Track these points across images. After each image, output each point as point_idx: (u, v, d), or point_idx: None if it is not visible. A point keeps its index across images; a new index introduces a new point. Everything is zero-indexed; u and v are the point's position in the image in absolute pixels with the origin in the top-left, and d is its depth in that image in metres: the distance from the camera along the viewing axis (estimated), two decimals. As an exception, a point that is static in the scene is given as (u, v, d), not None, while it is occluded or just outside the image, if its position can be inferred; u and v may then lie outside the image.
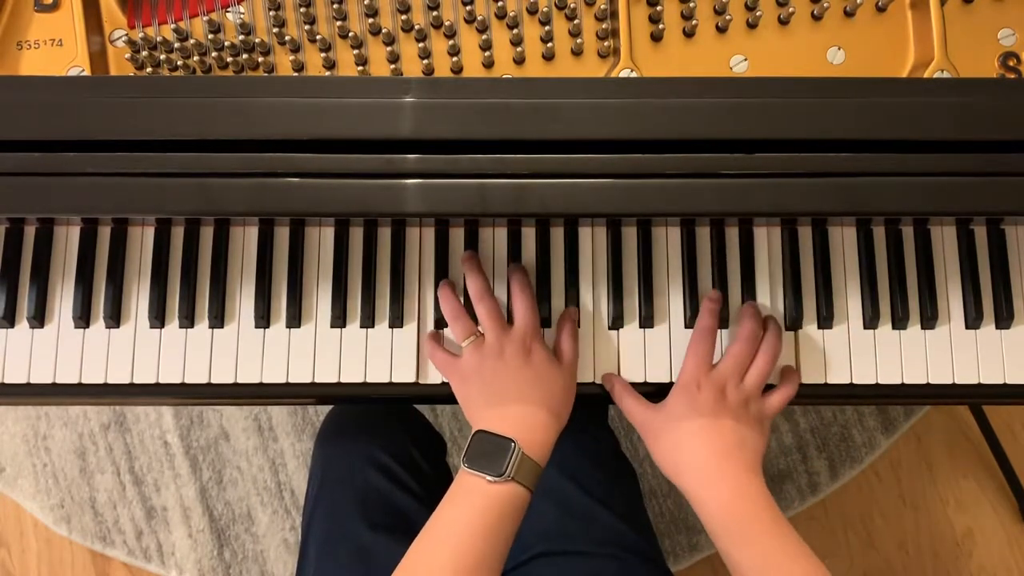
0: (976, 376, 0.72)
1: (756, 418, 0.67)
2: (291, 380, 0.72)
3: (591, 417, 0.89)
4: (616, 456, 0.87)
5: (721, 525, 0.62)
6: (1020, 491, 1.36)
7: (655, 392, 0.72)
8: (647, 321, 0.72)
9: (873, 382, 0.72)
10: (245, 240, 0.73)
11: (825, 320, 0.72)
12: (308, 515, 0.82)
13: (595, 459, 0.82)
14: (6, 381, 0.71)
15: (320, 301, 0.72)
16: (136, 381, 0.71)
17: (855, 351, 0.72)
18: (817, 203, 0.59)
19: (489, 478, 0.61)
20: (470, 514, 0.61)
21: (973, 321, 0.72)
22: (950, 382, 0.72)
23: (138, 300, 0.72)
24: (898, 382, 0.72)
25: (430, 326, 0.72)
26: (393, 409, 0.90)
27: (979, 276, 0.73)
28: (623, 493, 0.82)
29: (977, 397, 0.74)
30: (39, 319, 0.71)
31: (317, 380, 0.72)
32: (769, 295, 0.73)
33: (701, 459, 0.64)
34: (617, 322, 0.72)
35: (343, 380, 0.72)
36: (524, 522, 0.78)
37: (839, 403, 1.36)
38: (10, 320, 0.71)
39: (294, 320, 0.72)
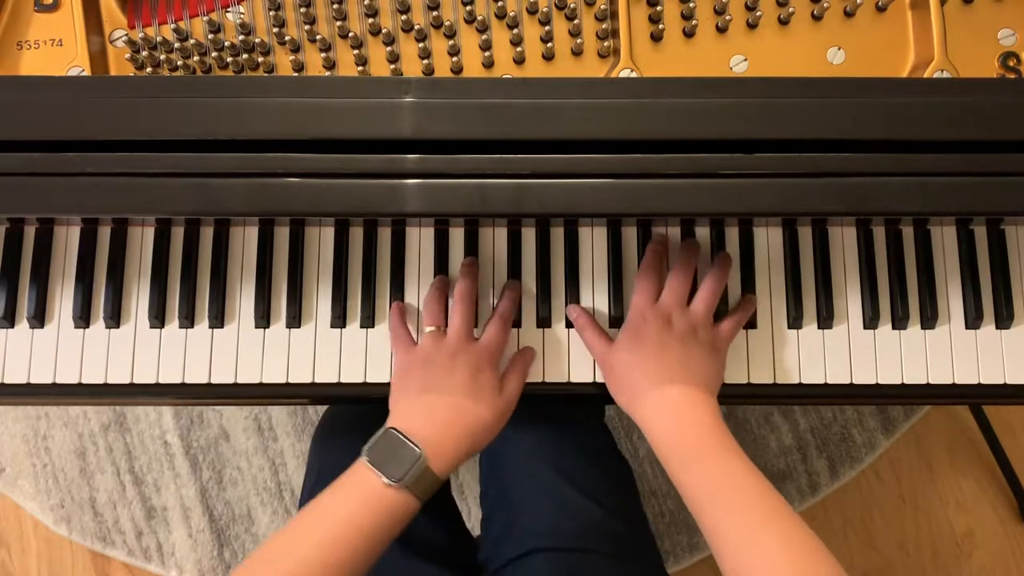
0: (976, 376, 0.72)
1: (708, 344, 0.67)
2: (291, 380, 0.72)
3: (588, 415, 0.89)
4: (612, 455, 0.87)
5: (666, 449, 0.62)
6: (1020, 491, 1.36)
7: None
8: (647, 321, 0.72)
9: (873, 382, 0.72)
10: (245, 240, 0.73)
11: (825, 320, 0.72)
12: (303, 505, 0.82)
13: (591, 457, 0.82)
14: (6, 381, 0.71)
15: (320, 301, 0.72)
16: (136, 381, 0.71)
17: (855, 351, 0.72)
18: (817, 203, 0.59)
19: (384, 479, 0.60)
20: (353, 508, 0.59)
21: (973, 321, 0.72)
22: (950, 382, 0.72)
23: (138, 300, 0.72)
24: (898, 382, 0.72)
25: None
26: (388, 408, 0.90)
27: (979, 276, 0.73)
28: (619, 491, 0.82)
29: (977, 397, 0.74)
30: (39, 319, 0.71)
31: (317, 380, 0.72)
32: (769, 295, 0.73)
33: (647, 386, 0.64)
34: (617, 322, 0.72)
35: (343, 380, 0.72)
36: (518, 520, 0.77)
37: (839, 403, 1.36)
38: (10, 320, 0.71)
39: (294, 320, 0.72)
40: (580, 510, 0.77)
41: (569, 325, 0.72)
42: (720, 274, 0.69)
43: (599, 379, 0.72)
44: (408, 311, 0.72)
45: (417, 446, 0.61)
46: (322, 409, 1.35)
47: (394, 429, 0.62)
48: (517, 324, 0.72)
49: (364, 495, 0.60)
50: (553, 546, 0.75)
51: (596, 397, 0.72)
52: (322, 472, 0.83)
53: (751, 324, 0.72)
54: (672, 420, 0.63)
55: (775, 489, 0.59)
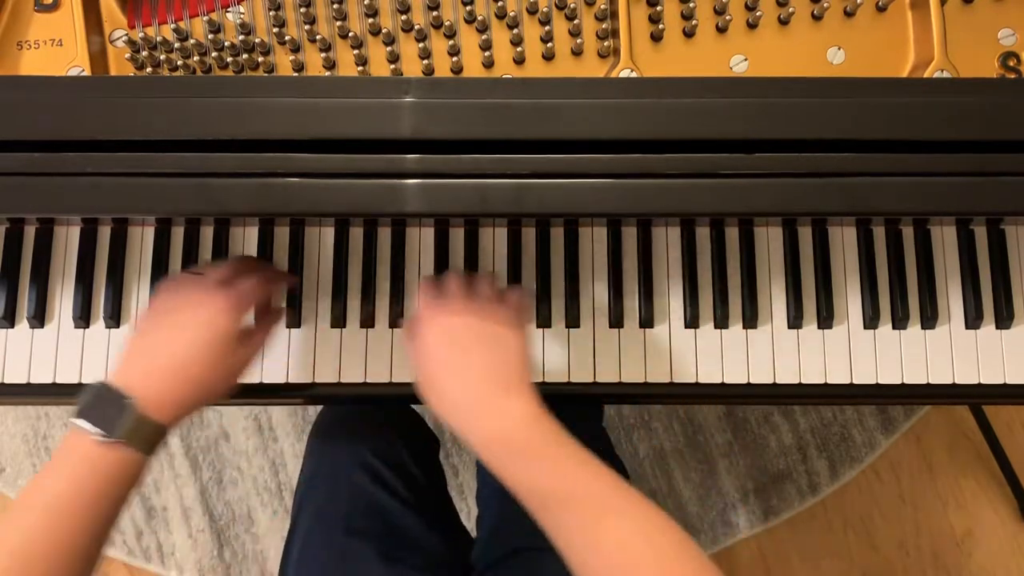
0: (976, 376, 0.72)
1: (505, 323, 0.60)
2: (291, 380, 0.72)
3: (585, 416, 0.89)
4: (607, 456, 0.87)
5: (489, 457, 0.56)
6: (1020, 491, 1.36)
7: (654, 394, 0.72)
8: (647, 321, 0.72)
9: (873, 382, 0.72)
10: (245, 240, 0.73)
11: (825, 320, 0.72)
12: (295, 512, 0.82)
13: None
14: (6, 381, 0.71)
15: (320, 301, 0.72)
16: (136, 381, 0.71)
17: (855, 351, 0.72)
18: (817, 203, 0.59)
19: (93, 435, 0.54)
20: (64, 481, 0.53)
21: (973, 321, 0.72)
22: (950, 382, 0.72)
23: (138, 300, 0.72)
24: (898, 382, 0.72)
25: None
26: (386, 409, 0.89)
27: (979, 276, 0.73)
28: None
29: (977, 397, 0.74)
30: (39, 319, 0.71)
31: (317, 380, 0.72)
32: (769, 295, 0.73)
33: (462, 397, 0.57)
34: (617, 322, 0.72)
35: (343, 380, 0.72)
36: (506, 520, 0.77)
37: (839, 403, 1.36)
38: (10, 320, 0.71)
39: (294, 320, 0.72)
40: None
41: (570, 325, 0.72)
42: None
43: (600, 379, 0.72)
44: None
45: (127, 395, 0.55)
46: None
47: (102, 382, 0.57)
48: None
49: (78, 461, 0.54)
50: (535, 546, 0.75)
51: (593, 399, 0.72)
52: (313, 475, 0.83)
53: (751, 324, 0.72)
54: (487, 424, 0.56)
55: (605, 468, 0.55)
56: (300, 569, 0.77)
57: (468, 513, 1.32)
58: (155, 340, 0.59)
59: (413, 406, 0.97)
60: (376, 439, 0.84)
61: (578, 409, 0.87)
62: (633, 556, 0.51)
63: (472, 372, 0.58)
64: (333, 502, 0.80)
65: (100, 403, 0.55)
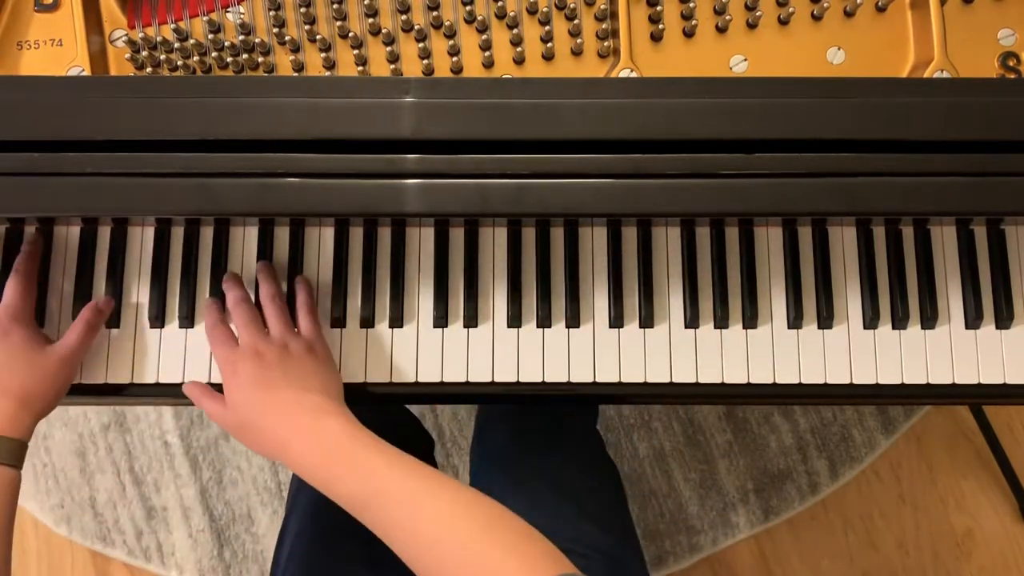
0: (976, 376, 0.72)
1: (308, 354, 0.65)
2: (291, 380, 0.72)
3: (581, 417, 0.89)
4: (598, 456, 0.87)
5: (315, 480, 0.60)
6: (1020, 491, 1.36)
7: (654, 394, 0.72)
8: (647, 321, 0.72)
9: (873, 382, 0.72)
10: (245, 240, 0.73)
11: (825, 320, 0.72)
12: (287, 512, 0.82)
13: (573, 459, 0.82)
14: (6, 381, 0.71)
15: (320, 301, 0.72)
16: (136, 381, 0.71)
17: (855, 351, 0.72)
18: (817, 203, 0.59)
19: None
20: None
21: (973, 321, 0.72)
22: (950, 382, 0.72)
23: (138, 300, 0.72)
24: (898, 382, 0.72)
25: (430, 326, 0.72)
26: (380, 408, 0.89)
27: (979, 276, 0.73)
28: (598, 493, 0.82)
29: (977, 397, 0.74)
30: (39, 319, 0.71)
31: (317, 380, 0.72)
32: (769, 295, 0.73)
33: (278, 431, 0.61)
34: (617, 322, 0.72)
35: (343, 380, 0.72)
36: None
37: (839, 403, 1.36)
38: (10, 320, 0.71)
39: (294, 320, 0.72)
40: (554, 509, 0.77)
41: (570, 325, 0.72)
42: (270, 286, 0.68)
43: (600, 379, 0.72)
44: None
45: None
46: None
47: None
48: (516, 324, 0.72)
49: None
50: None
51: (596, 397, 0.72)
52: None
53: (751, 324, 0.72)
54: (310, 444, 0.60)
55: (423, 466, 0.59)
56: (289, 569, 0.77)
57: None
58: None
59: (407, 406, 0.97)
60: None
61: (573, 410, 0.87)
62: (448, 531, 0.54)
63: (283, 406, 0.62)
64: (324, 503, 0.80)
65: None
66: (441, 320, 0.72)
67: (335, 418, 0.62)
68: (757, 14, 0.68)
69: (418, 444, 0.90)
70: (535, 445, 0.80)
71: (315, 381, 0.64)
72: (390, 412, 0.91)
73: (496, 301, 0.72)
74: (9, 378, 0.64)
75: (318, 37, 0.67)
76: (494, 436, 0.87)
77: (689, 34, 0.68)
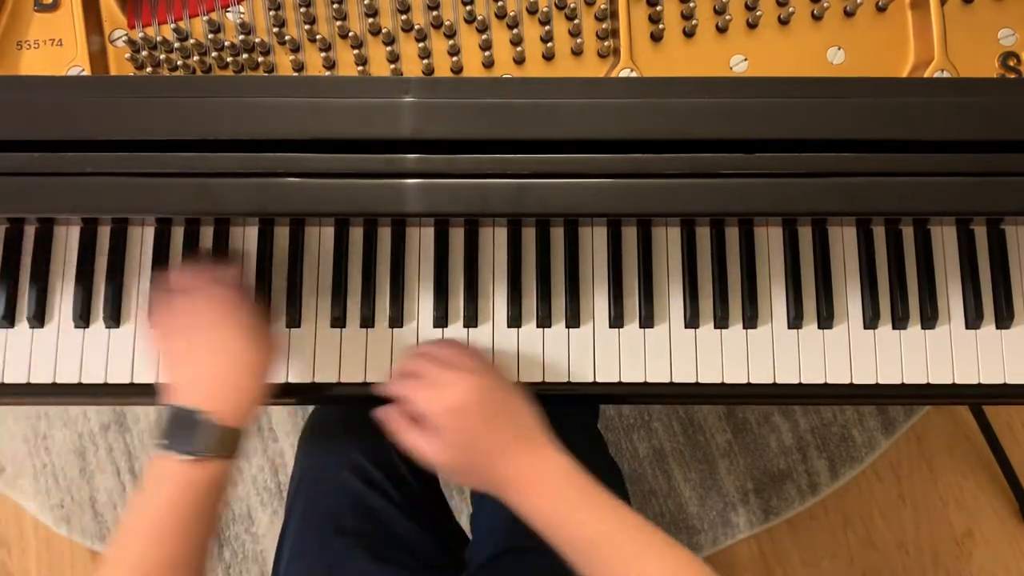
0: (976, 376, 0.72)
1: (507, 393, 0.62)
2: (291, 380, 0.72)
3: (581, 417, 0.89)
4: (601, 456, 0.87)
5: (530, 512, 0.59)
6: (1020, 491, 1.36)
7: (654, 394, 0.72)
8: (647, 321, 0.72)
9: (873, 382, 0.72)
10: (245, 240, 0.73)
11: (825, 320, 0.72)
12: (286, 515, 0.82)
13: (579, 457, 0.82)
14: (6, 381, 0.71)
15: (320, 301, 0.72)
16: (136, 381, 0.71)
17: (855, 351, 0.72)
18: (817, 203, 0.59)
19: (180, 457, 0.56)
20: (161, 501, 0.56)
21: (973, 321, 0.72)
22: (950, 382, 0.72)
23: (138, 300, 0.72)
24: (898, 382, 0.72)
25: (430, 326, 0.72)
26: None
27: (979, 276, 0.73)
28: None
29: (977, 397, 0.74)
30: (39, 319, 0.71)
31: (317, 380, 0.72)
32: (769, 295, 0.73)
33: (489, 464, 0.60)
34: (617, 322, 0.72)
35: (343, 380, 0.72)
36: (497, 520, 0.77)
37: (839, 403, 1.36)
38: (10, 320, 0.71)
39: (294, 320, 0.72)
40: None
41: (570, 325, 0.72)
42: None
43: (600, 379, 0.72)
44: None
45: (199, 410, 0.57)
46: (322, 409, 1.35)
47: (171, 404, 0.59)
48: (516, 324, 0.72)
49: (168, 481, 0.57)
50: (530, 545, 0.75)
51: (593, 399, 0.72)
52: (304, 476, 0.83)
53: (751, 324, 0.72)
54: (524, 485, 0.59)
55: (640, 517, 0.59)
56: (291, 568, 0.77)
57: (468, 513, 1.32)
58: (194, 353, 0.61)
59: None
60: (366, 441, 0.84)
61: (573, 410, 0.87)
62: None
63: (498, 442, 0.60)
64: (323, 502, 0.80)
65: (178, 427, 0.57)
66: (441, 320, 0.72)
67: (556, 456, 0.60)
68: (757, 14, 0.68)
69: None
70: None
71: (527, 416, 0.62)
72: None
73: (496, 301, 0.72)
74: (242, 359, 0.60)
75: (318, 37, 0.67)
76: None
77: (689, 34, 0.68)
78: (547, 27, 0.67)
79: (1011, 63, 0.67)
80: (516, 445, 0.60)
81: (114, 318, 0.71)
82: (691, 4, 0.67)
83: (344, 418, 0.87)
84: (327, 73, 0.68)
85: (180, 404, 0.58)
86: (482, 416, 0.60)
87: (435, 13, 0.67)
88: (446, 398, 0.60)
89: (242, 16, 0.68)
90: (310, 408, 1.40)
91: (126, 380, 0.71)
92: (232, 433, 0.58)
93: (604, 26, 0.68)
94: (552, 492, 0.59)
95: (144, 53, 0.67)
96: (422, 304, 0.72)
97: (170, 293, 0.65)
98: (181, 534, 0.56)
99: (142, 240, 0.73)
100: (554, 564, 0.74)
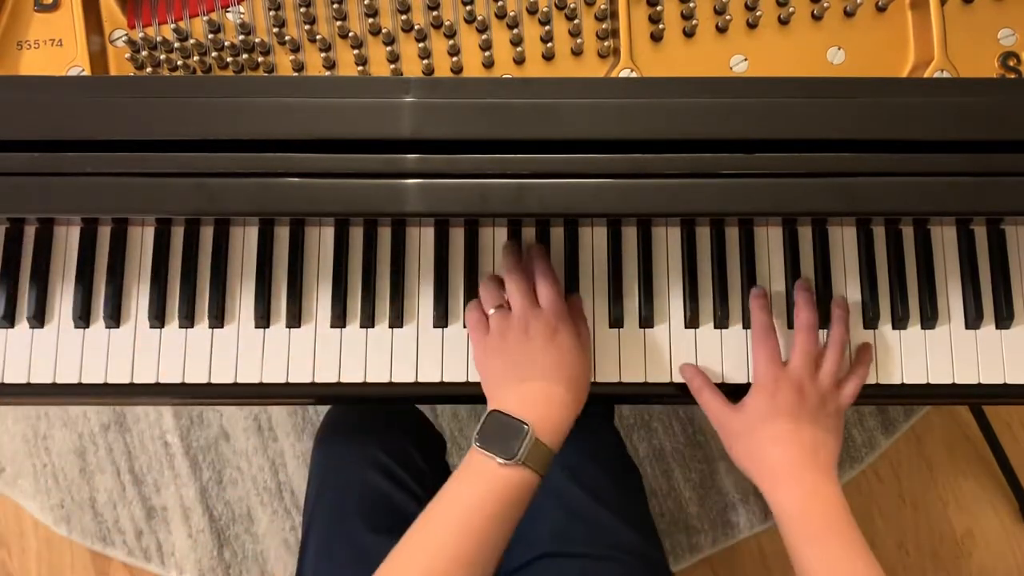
0: (976, 376, 0.72)
1: (834, 415, 0.67)
2: (291, 380, 0.72)
3: (596, 417, 0.89)
4: (621, 457, 0.87)
5: (792, 523, 0.62)
6: (1020, 491, 1.36)
7: (654, 394, 0.72)
8: (647, 321, 0.72)
9: (873, 382, 0.72)
10: (245, 240, 0.73)
11: (825, 321, 0.72)
12: (308, 516, 0.82)
13: (600, 460, 0.82)
14: (6, 381, 0.71)
15: (320, 301, 0.72)
16: (136, 381, 0.71)
17: (854, 351, 0.72)
18: (817, 203, 0.59)
19: (499, 460, 0.60)
20: (476, 497, 0.59)
21: (973, 321, 0.72)
22: (950, 382, 0.72)
23: (138, 300, 0.72)
24: (898, 382, 0.72)
25: (430, 326, 0.72)
26: (392, 409, 0.90)
27: (979, 276, 0.73)
28: (627, 495, 0.82)
29: (977, 397, 0.74)
30: (39, 319, 0.71)
31: (317, 380, 0.72)
32: (769, 295, 0.73)
33: (779, 463, 0.64)
34: (617, 322, 0.72)
35: (343, 380, 0.72)
36: (527, 523, 0.77)
37: (839, 403, 1.36)
38: (10, 320, 0.71)
39: (294, 320, 0.72)
40: (592, 515, 0.77)
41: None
42: (842, 334, 0.69)
43: (600, 379, 0.72)
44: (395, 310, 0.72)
45: (523, 421, 0.61)
46: (323, 410, 1.35)
47: (497, 410, 0.62)
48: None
49: (485, 480, 0.60)
50: (563, 551, 0.75)
51: (605, 398, 0.72)
52: (326, 476, 0.83)
53: (748, 324, 0.72)
54: (803, 498, 0.63)
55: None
56: (320, 568, 0.77)
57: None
58: (521, 371, 0.64)
59: (415, 406, 0.97)
60: (385, 438, 0.84)
61: (591, 413, 0.87)
62: None
63: (807, 450, 0.65)
64: (349, 502, 0.80)
65: (504, 434, 0.61)
66: (441, 320, 0.72)
67: (831, 486, 0.64)
68: (757, 14, 0.68)
69: (429, 446, 0.90)
70: (561, 452, 0.80)
71: (833, 442, 0.67)
72: (401, 412, 0.91)
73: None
74: (563, 379, 0.64)
75: (318, 37, 0.67)
76: None
77: (689, 34, 0.68)
78: (547, 27, 0.67)
79: (1011, 63, 0.67)
80: (815, 453, 0.65)
81: (114, 318, 0.71)
82: (691, 4, 0.67)
83: (361, 416, 0.87)
84: (327, 73, 0.68)
85: (509, 413, 0.62)
86: (804, 423, 0.65)
87: (435, 13, 0.67)
88: (820, 385, 0.67)
89: (242, 16, 0.68)
90: (310, 408, 1.40)
91: (126, 380, 0.71)
92: (544, 449, 0.61)
93: (604, 26, 0.68)
94: (822, 508, 0.63)
95: (144, 53, 0.67)
96: (422, 304, 0.72)
97: (495, 306, 0.68)
98: (486, 534, 0.58)
99: (142, 240, 0.73)
100: (588, 572, 0.74)
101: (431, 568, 0.57)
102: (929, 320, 0.72)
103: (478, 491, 0.60)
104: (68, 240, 0.73)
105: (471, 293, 0.72)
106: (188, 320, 0.71)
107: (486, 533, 0.58)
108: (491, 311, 0.67)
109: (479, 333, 0.68)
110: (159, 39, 0.67)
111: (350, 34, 0.68)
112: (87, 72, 0.67)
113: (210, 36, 0.68)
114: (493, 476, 0.60)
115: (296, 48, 0.68)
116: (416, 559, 0.58)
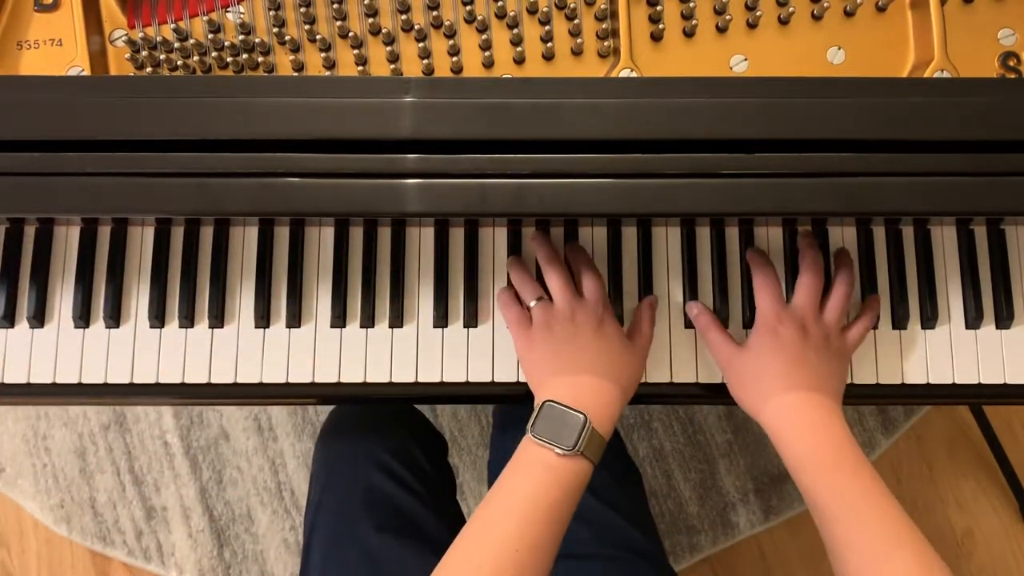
0: (976, 376, 0.72)
1: (837, 353, 0.66)
2: (291, 380, 0.72)
3: None
4: (622, 458, 0.87)
5: (801, 460, 0.62)
6: (1020, 491, 1.36)
7: (654, 394, 0.72)
8: (647, 321, 0.72)
9: (873, 382, 0.72)
10: (245, 240, 0.73)
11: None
12: (311, 517, 0.82)
13: (602, 461, 0.82)
14: (6, 381, 0.71)
15: (320, 301, 0.72)
16: (136, 381, 0.71)
17: (855, 351, 0.72)
18: (817, 203, 0.59)
19: (558, 451, 0.59)
20: (535, 487, 0.59)
21: (973, 321, 0.72)
22: (950, 382, 0.72)
23: (138, 300, 0.72)
24: (898, 382, 0.72)
25: (430, 326, 0.72)
26: (394, 409, 0.90)
27: (979, 276, 0.73)
28: (629, 495, 0.82)
29: (977, 397, 0.74)
30: (39, 319, 0.71)
31: (317, 380, 0.72)
32: (769, 295, 0.73)
33: (785, 399, 0.64)
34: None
35: (343, 380, 0.72)
36: None
37: (839, 403, 1.36)
38: (10, 320, 0.71)
39: (294, 320, 0.72)
40: (594, 515, 0.77)
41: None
42: (849, 277, 0.69)
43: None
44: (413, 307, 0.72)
45: (580, 411, 0.61)
46: (323, 410, 1.35)
47: (551, 401, 0.62)
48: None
49: (542, 472, 0.60)
50: (567, 552, 0.75)
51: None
52: (329, 477, 0.83)
53: (751, 324, 0.72)
54: (808, 430, 0.63)
55: (906, 513, 0.60)
56: (327, 568, 0.77)
57: (467, 514, 1.32)
58: (569, 362, 0.64)
59: (415, 406, 0.97)
60: (388, 439, 0.84)
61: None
62: None
63: (812, 384, 0.64)
64: (353, 503, 0.80)
65: (556, 420, 0.61)
66: (441, 320, 0.72)
67: (837, 419, 0.63)
68: (757, 14, 0.68)
69: (431, 446, 0.90)
70: None
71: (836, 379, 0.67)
72: (404, 412, 0.91)
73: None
74: (612, 369, 0.64)
75: (318, 37, 0.67)
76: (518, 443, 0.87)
77: (689, 34, 0.68)
78: (547, 27, 0.67)
79: (1011, 63, 0.67)
80: (820, 387, 0.64)
81: (114, 318, 0.71)
82: (691, 4, 0.67)
83: (364, 417, 0.87)
84: (327, 73, 0.68)
85: (565, 404, 0.61)
86: (809, 358, 0.65)
87: (435, 13, 0.67)
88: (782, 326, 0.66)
89: (242, 16, 0.68)
90: (310, 408, 1.40)
91: (126, 380, 0.71)
92: (598, 438, 0.61)
93: (604, 26, 0.68)
94: (829, 440, 0.62)
95: (144, 53, 0.67)
96: (422, 304, 0.73)
97: (535, 298, 0.67)
98: (548, 524, 0.58)
99: (142, 240, 0.73)
100: (594, 573, 0.74)
101: (499, 559, 0.56)
102: (929, 320, 0.72)
103: (538, 482, 0.59)
104: (68, 240, 0.73)
105: (471, 293, 0.72)
106: (188, 320, 0.71)
107: (548, 523, 0.58)
108: (532, 303, 0.67)
109: (522, 327, 0.67)
110: (159, 39, 0.67)
111: (350, 34, 0.68)
112: (87, 72, 0.67)
113: (210, 36, 0.68)
114: (552, 466, 0.60)
115: (296, 48, 0.68)
116: (483, 551, 0.57)
